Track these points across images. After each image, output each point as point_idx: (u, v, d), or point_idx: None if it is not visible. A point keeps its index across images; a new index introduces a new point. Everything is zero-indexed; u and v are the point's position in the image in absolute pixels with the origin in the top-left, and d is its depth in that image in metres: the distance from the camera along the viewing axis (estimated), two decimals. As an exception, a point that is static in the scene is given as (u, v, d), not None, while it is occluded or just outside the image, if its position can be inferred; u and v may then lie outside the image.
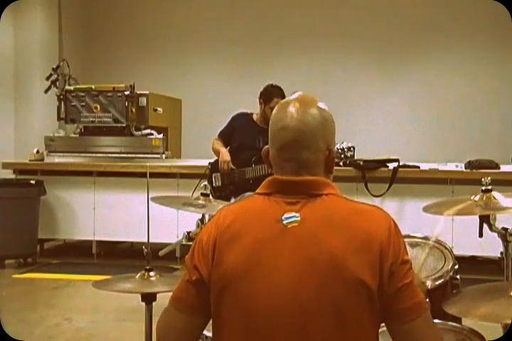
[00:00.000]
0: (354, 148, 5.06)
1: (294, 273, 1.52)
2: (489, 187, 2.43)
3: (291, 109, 1.65)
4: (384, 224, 1.57)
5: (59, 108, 6.86)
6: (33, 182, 6.47)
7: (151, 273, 2.55)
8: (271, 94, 5.09)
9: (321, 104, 1.69)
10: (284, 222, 1.57)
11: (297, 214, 1.57)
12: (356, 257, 1.51)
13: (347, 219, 1.57)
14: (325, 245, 1.52)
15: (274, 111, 1.70)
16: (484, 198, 2.41)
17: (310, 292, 1.51)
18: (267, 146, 1.70)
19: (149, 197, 2.99)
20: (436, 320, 2.18)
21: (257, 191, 1.67)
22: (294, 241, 1.54)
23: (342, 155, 5.05)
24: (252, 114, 5.35)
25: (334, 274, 1.50)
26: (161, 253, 2.82)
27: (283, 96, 4.91)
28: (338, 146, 5.02)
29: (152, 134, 6.76)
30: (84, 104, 6.78)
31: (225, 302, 1.56)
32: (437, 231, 2.10)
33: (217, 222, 1.64)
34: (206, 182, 3.26)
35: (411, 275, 1.56)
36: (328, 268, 1.51)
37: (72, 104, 6.79)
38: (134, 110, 6.77)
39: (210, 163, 5.45)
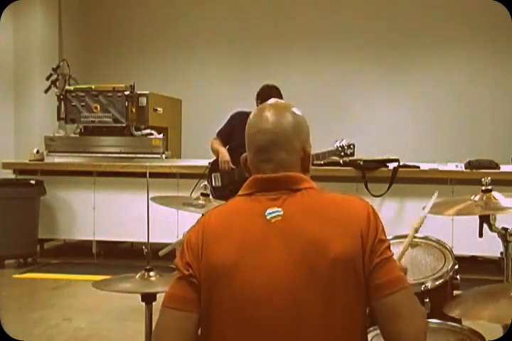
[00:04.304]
0: (354, 146, 5.07)
1: (282, 265, 1.56)
2: (489, 187, 2.43)
3: (266, 113, 1.74)
4: (363, 210, 1.64)
5: (59, 108, 6.85)
6: (33, 182, 6.46)
7: (151, 273, 2.56)
8: (267, 94, 5.07)
9: (295, 109, 1.76)
10: (268, 217, 1.62)
11: (279, 209, 1.63)
12: (340, 242, 1.57)
13: (328, 209, 1.64)
14: (309, 234, 1.58)
15: (250, 116, 1.79)
16: (484, 198, 2.41)
17: (300, 281, 1.55)
18: (245, 154, 1.76)
19: (149, 197, 3.00)
20: (436, 320, 2.18)
21: (239, 193, 1.72)
22: (279, 235, 1.59)
23: (342, 153, 5.05)
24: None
25: (321, 260, 1.55)
26: (161, 253, 2.82)
27: (280, 96, 4.89)
28: (338, 144, 5.04)
29: (152, 134, 6.75)
30: (84, 104, 6.77)
31: (216, 299, 1.59)
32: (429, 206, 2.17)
33: (204, 223, 1.70)
34: (206, 182, 3.27)
35: (389, 252, 1.62)
36: (315, 254, 1.56)
37: (72, 104, 6.79)
38: (134, 110, 6.77)
39: (210, 163, 5.45)
